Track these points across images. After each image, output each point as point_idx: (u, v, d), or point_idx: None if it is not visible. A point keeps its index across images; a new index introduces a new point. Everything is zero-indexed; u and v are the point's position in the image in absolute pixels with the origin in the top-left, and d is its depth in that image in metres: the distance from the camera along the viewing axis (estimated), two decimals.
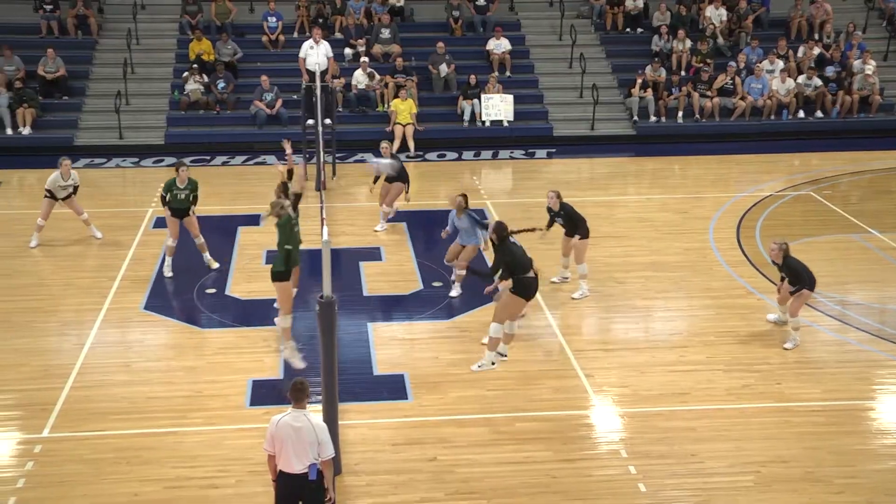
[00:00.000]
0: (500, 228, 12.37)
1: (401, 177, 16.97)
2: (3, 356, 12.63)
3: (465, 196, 14.39)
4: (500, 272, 12.20)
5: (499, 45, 25.30)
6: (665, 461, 10.45)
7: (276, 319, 13.04)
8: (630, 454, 10.58)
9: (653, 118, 24.25)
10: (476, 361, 12.47)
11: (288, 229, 12.74)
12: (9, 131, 22.67)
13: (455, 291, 14.61)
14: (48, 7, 25.28)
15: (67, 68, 23.90)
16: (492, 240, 12.48)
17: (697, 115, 24.33)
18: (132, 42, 24.78)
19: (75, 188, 16.49)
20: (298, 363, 12.43)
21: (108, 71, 24.47)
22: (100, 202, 18.80)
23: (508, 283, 12.24)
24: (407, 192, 17.09)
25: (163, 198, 15.18)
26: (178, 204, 15.13)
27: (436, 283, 15.10)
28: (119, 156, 22.21)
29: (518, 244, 12.46)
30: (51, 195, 16.31)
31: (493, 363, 12.41)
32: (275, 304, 13.22)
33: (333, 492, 8.66)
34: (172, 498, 9.78)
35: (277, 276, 12.57)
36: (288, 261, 12.62)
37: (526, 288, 12.18)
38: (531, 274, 12.18)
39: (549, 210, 14.69)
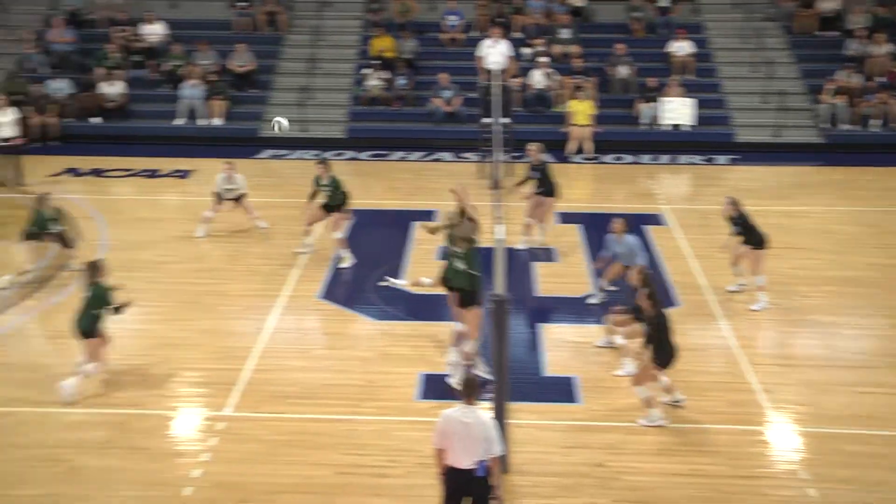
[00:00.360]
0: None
1: (548, 190, 16.46)
2: (191, 336, 13.24)
3: (624, 219, 13.80)
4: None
5: (681, 48, 24.78)
6: (849, 487, 9.94)
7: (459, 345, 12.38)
8: (810, 476, 10.12)
9: (844, 126, 23.20)
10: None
11: (472, 256, 12.17)
12: (202, 122, 23.74)
13: (595, 299, 14.30)
14: (242, 4, 26.35)
15: (257, 63, 24.84)
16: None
17: (894, 124, 23.12)
18: (318, 38, 25.53)
19: (242, 195, 16.88)
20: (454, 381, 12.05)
21: (294, 65, 25.31)
22: (281, 193, 19.43)
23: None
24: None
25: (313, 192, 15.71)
26: (323, 199, 15.64)
27: (612, 288, 14.88)
28: (302, 148, 22.91)
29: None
30: (218, 197, 16.87)
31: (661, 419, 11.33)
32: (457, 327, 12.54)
33: (501, 489, 8.66)
34: (343, 483, 10.00)
35: (468, 300, 12.11)
36: (476, 285, 12.11)
37: (667, 355, 11.04)
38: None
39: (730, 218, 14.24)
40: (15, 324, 13.71)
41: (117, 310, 11.68)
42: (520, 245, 15.65)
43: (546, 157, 14.15)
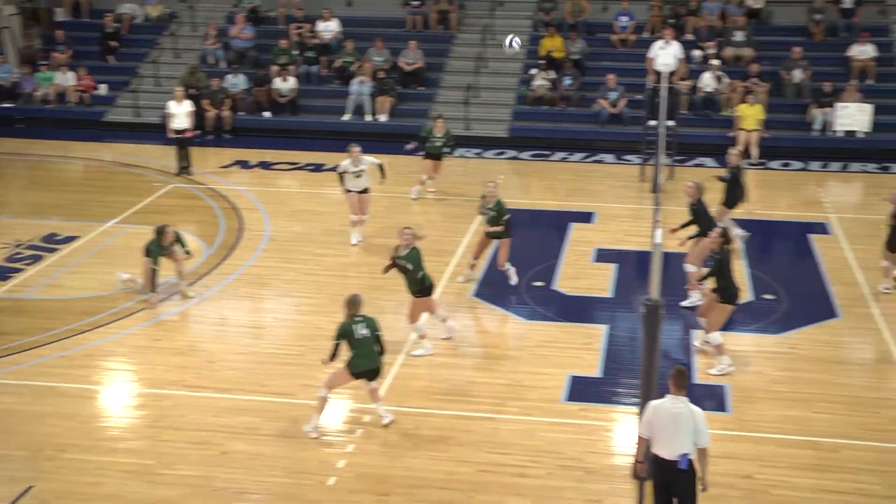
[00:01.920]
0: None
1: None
2: None
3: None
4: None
5: (862, 51, 23.71)
6: None
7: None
8: None
9: None
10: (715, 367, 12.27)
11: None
12: (368, 118, 24.29)
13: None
14: (415, 3, 26.82)
15: (426, 60, 25.22)
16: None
17: None
18: (487, 37, 25.71)
19: (367, 188, 16.60)
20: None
21: (462, 64, 25.55)
22: (440, 189, 19.64)
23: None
24: None
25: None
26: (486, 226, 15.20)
27: (767, 296, 14.47)
28: (464, 146, 23.09)
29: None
30: (348, 189, 16.48)
31: (730, 365, 12.21)
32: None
33: (708, 480, 8.65)
34: (484, 481, 10.08)
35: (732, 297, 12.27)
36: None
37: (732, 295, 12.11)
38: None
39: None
40: (177, 309, 14.35)
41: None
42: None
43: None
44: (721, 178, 16.31)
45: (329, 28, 26.22)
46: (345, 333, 10.84)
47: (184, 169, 20.69)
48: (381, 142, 23.24)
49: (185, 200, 19.19)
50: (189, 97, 22.05)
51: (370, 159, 16.84)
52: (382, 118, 24.25)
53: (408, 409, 11.44)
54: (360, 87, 24.31)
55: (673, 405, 8.48)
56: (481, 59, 25.15)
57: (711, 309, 12.31)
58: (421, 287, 12.69)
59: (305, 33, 26.18)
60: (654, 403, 8.58)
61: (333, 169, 21.16)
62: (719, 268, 12.07)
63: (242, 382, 12.08)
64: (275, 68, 24.93)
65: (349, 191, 16.68)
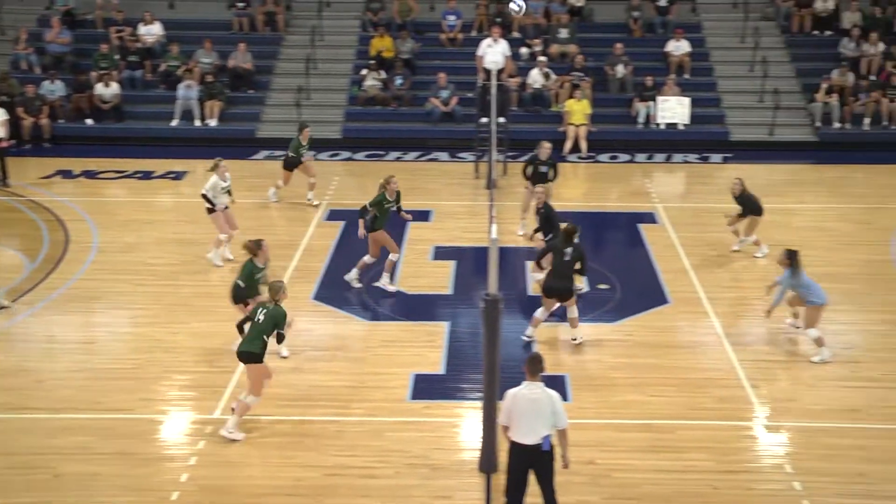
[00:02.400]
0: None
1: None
2: (182, 339, 13.23)
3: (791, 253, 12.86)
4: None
5: (678, 47, 24.78)
6: (831, 480, 10.01)
7: None
8: (795, 470, 10.18)
9: (837, 124, 23.23)
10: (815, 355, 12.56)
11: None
12: (197, 122, 23.76)
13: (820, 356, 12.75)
14: (241, 4, 26.37)
15: (254, 63, 24.86)
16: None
17: (886, 122, 23.16)
18: (316, 38, 25.56)
19: (230, 196, 15.90)
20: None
21: (292, 66, 25.30)
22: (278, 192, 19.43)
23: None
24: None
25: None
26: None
27: (602, 286, 14.92)
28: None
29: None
30: (212, 204, 15.48)
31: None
32: None
33: (569, 458, 8.94)
34: (332, 485, 10.01)
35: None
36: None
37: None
38: None
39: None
40: (0, 327, 13.69)
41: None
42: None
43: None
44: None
45: (152, 31, 25.51)
46: (251, 315, 11.02)
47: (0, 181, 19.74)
48: (211, 147, 22.79)
49: (3, 214, 18.30)
50: (1, 105, 21.01)
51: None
52: (212, 122, 23.77)
53: (251, 416, 11.22)
54: (187, 91, 23.74)
55: (530, 391, 8.67)
56: (311, 61, 24.97)
57: None
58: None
59: (127, 37, 25.37)
60: (511, 392, 8.75)
61: (167, 176, 20.78)
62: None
63: (75, 401, 11.58)
64: (95, 74, 24.08)
65: (214, 209, 15.60)
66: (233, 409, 10.98)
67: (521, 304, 14.32)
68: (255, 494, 9.84)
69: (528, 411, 8.63)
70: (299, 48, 25.70)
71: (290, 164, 18.66)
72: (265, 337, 10.81)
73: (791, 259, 12.64)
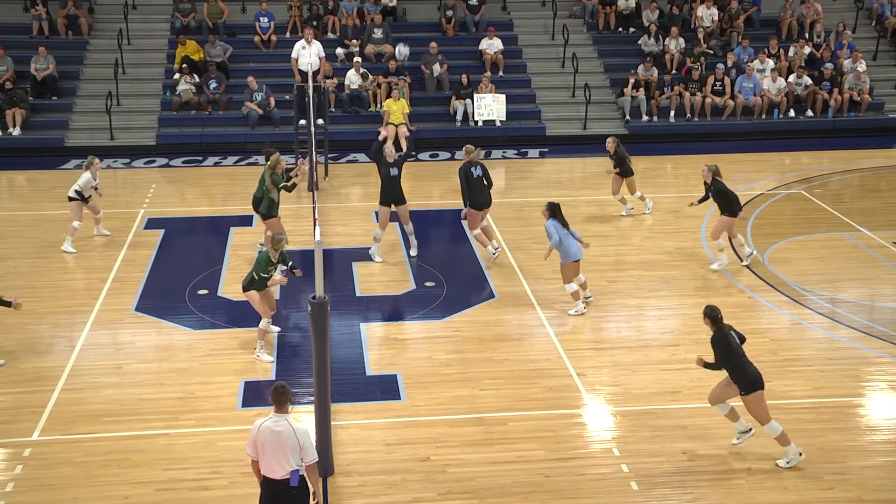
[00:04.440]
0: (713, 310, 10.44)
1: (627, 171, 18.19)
2: None
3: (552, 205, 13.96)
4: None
5: (491, 45, 25.29)
6: (657, 459, 10.45)
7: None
8: (622, 453, 10.58)
9: (645, 117, 24.30)
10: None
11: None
12: None
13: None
14: (39, 7, 25.18)
15: (58, 69, 23.85)
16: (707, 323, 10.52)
17: (689, 115, 24.39)
18: (123, 42, 24.74)
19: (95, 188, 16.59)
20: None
21: (98, 71, 24.42)
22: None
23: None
24: None
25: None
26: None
27: (428, 283, 15.09)
28: (110, 157, 22.12)
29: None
30: (80, 197, 16.24)
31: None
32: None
33: (321, 495, 8.62)
34: (164, 500, 9.76)
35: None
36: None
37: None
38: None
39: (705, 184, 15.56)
40: None
41: None
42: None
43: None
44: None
45: None
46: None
47: None
48: (17, 157, 21.81)
49: None
50: None
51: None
52: (15, 132, 22.63)
53: (74, 436, 10.82)
54: None
55: (274, 424, 8.24)
56: (119, 66, 24.14)
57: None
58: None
59: None
60: (257, 423, 8.33)
61: None
62: None
63: None
64: None
65: (85, 200, 16.39)
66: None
67: (350, 304, 14.31)
68: None
69: (272, 444, 8.21)
70: (106, 52, 24.80)
71: None
72: (254, 275, 12.51)
73: (551, 211, 13.73)
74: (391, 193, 15.68)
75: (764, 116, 24.56)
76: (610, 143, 17.84)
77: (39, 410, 11.30)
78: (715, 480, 10.11)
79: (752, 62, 24.94)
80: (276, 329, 13.28)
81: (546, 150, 23.36)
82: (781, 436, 10.24)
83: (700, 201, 15.97)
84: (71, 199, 16.26)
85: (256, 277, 12.55)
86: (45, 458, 10.43)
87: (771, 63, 24.98)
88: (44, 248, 16.32)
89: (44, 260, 15.97)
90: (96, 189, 16.59)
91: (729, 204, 15.32)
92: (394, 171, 15.74)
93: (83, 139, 22.85)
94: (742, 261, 15.71)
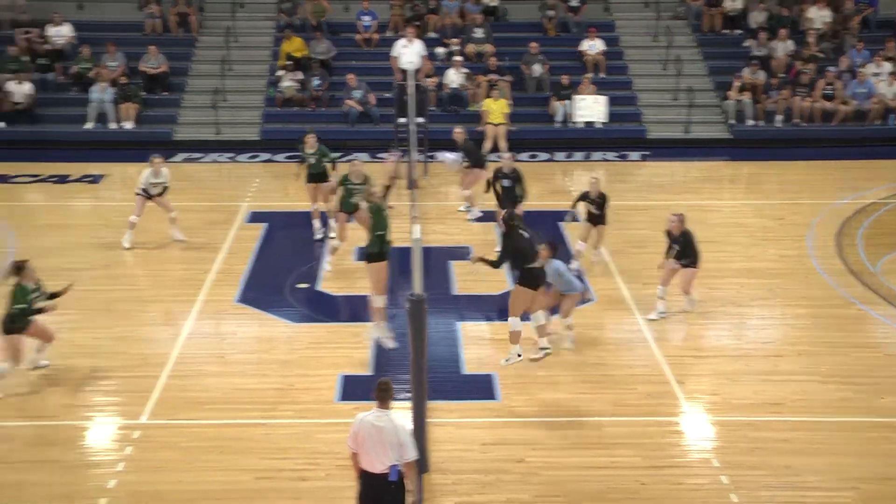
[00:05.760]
0: (510, 217, 12.11)
1: (479, 163, 17.72)
2: (105, 343, 12.99)
3: (551, 245, 12.63)
4: (504, 261, 12.07)
5: (592, 46, 25.12)
6: (758, 472, 10.22)
7: (370, 298, 13.05)
8: (722, 464, 10.39)
9: (750, 121, 23.82)
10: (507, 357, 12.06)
11: (379, 215, 12.81)
12: (112, 125, 23.30)
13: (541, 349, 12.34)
14: (152, 5, 25.91)
15: (170, 65, 24.48)
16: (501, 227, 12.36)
17: (797, 119, 23.82)
18: (230, 40, 25.27)
19: (166, 187, 16.57)
20: (389, 343, 12.69)
21: (206, 68, 25.00)
22: (196, 196, 19.28)
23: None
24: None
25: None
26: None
27: None
28: (216, 151, 22.65)
29: (527, 233, 12.00)
30: (144, 193, 16.44)
31: (518, 356, 11.98)
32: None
33: (418, 493, 8.67)
34: (263, 488, 9.94)
35: (370, 258, 12.78)
36: (381, 244, 12.76)
37: (534, 278, 11.84)
38: (537, 264, 11.85)
39: (668, 234, 13.85)
40: None
41: (37, 311, 11.71)
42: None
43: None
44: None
45: (61, 33, 24.93)
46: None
47: None
48: (129, 149, 22.45)
49: None
50: None
51: (167, 174, 16.64)
52: (128, 125, 23.32)
53: (178, 421, 11.12)
54: (100, 93, 23.26)
55: (376, 419, 8.34)
56: (226, 62, 24.68)
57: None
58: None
59: (35, 39, 24.74)
60: (359, 416, 8.43)
61: (83, 180, 20.37)
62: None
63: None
64: (5, 76, 23.42)
65: (149, 195, 16.51)
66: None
67: (447, 303, 14.36)
68: (185, 500, 9.72)
69: (373, 438, 8.29)
70: (214, 49, 25.39)
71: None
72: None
73: (553, 251, 12.53)
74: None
75: (878, 122, 23.82)
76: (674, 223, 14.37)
77: (146, 395, 11.64)
78: (821, 497, 9.85)
79: (866, 65, 24.24)
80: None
81: (647, 153, 23.10)
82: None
83: (671, 257, 13.76)
84: (137, 194, 16.48)
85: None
86: (152, 441, 10.75)
87: (888, 66, 24.21)
88: (151, 238, 16.74)
89: (151, 250, 16.42)
90: (163, 187, 16.51)
91: (696, 256, 13.71)
92: (506, 183, 16.01)
93: (190, 133, 23.44)
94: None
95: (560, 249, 13.43)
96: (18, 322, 11.64)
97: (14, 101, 23.10)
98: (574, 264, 14.78)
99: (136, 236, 16.56)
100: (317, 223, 16.99)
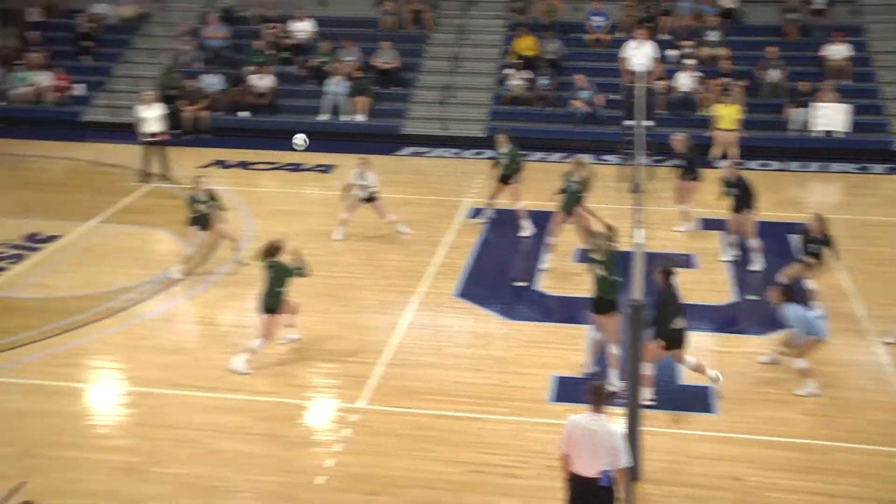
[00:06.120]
0: (666, 269, 11.45)
1: (695, 175, 17.07)
2: (327, 328, 13.45)
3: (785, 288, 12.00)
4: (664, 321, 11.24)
5: (837, 51, 23.88)
6: None
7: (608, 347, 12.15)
8: None
9: None
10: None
11: (614, 262, 11.97)
12: (345, 118, 24.16)
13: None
14: (388, 2, 26.70)
15: (401, 60, 25.13)
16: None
17: None
18: (462, 37, 25.67)
19: (374, 191, 16.55)
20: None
21: (437, 64, 25.49)
22: (420, 189, 19.68)
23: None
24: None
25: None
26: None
27: (752, 297, 14.47)
28: (442, 146, 23.05)
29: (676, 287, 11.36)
30: (351, 190, 16.58)
31: (716, 378, 11.68)
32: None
33: (629, 501, 8.50)
34: (473, 482, 10.01)
35: (607, 307, 11.89)
36: (617, 291, 11.91)
37: (674, 340, 11.33)
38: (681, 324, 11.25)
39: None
40: (162, 309, 14.23)
41: (301, 274, 12.45)
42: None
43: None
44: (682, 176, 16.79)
45: (303, 28, 26.06)
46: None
47: (153, 175, 20.27)
48: (358, 142, 23.19)
49: (165, 200, 19.02)
50: (167, 98, 21.82)
51: (374, 179, 16.78)
52: (359, 118, 24.13)
53: (394, 408, 11.37)
54: (336, 87, 24.17)
55: (589, 422, 8.22)
56: (457, 59, 25.10)
57: None
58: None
59: (279, 33, 26.00)
60: (572, 418, 8.37)
61: (315, 169, 21.25)
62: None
63: (228, 382, 11.95)
64: (250, 68, 24.74)
65: (358, 198, 16.77)
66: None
67: None
68: (397, 485, 9.92)
69: (586, 442, 8.18)
70: (445, 46, 25.88)
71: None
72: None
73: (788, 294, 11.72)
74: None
75: None
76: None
77: (364, 380, 11.98)
78: None
79: None
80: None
81: (893, 166, 21.71)
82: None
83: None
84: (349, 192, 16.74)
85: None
86: (369, 426, 11.04)
87: None
88: (374, 228, 17.16)
89: (373, 241, 16.81)
90: (370, 193, 16.54)
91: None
92: (733, 192, 15.64)
93: (417, 128, 23.96)
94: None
95: (796, 291, 12.33)
96: (276, 302, 12.25)
97: (258, 94, 24.32)
98: (816, 308, 13.22)
99: (360, 228, 16.93)
100: (525, 222, 17.24)
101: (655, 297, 11.35)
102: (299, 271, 12.42)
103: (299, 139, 16.57)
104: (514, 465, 10.26)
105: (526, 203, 17.39)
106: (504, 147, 17.38)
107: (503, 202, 17.70)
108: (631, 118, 19.53)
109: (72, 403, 11.61)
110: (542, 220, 17.11)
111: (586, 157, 16.39)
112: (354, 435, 10.86)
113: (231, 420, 11.10)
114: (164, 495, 9.76)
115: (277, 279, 12.21)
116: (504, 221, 17.83)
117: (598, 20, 25.69)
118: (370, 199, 16.71)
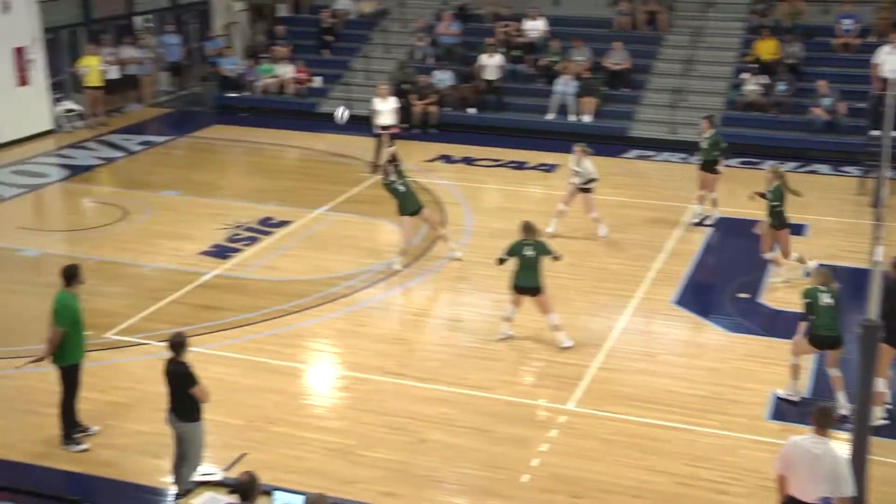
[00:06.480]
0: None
1: None
2: (542, 326, 13.21)
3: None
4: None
5: None
6: None
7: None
8: None
9: None
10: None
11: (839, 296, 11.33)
12: (572, 118, 24.09)
13: None
14: (623, 2, 26.41)
15: (632, 62, 24.80)
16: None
17: None
18: (697, 39, 25.03)
19: (591, 180, 16.49)
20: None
21: (669, 66, 24.96)
22: (643, 193, 19.37)
23: None
24: None
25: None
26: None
27: None
28: (669, 150, 22.59)
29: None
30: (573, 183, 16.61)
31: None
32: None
33: None
34: (680, 493, 9.78)
35: (836, 343, 11.23)
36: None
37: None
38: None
39: None
40: (381, 298, 14.65)
41: (556, 258, 13.07)
42: None
43: None
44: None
45: (535, 27, 26.16)
46: (513, 252, 12.81)
47: (380, 167, 20.91)
48: (584, 142, 22.99)
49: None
50: (400, 92, 22.44)
51: (590, 167, 16.63)
52: (586, 118, 23.99)
53: (603, 412, 11.26)
54: (564, 86, 24.13)
55: (812, 445, 7.83)
56: (690, 62, 24.50)
57: None
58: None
59: (512, 32, 26.22)
60: (793, 438, 8.00)
61: (538, 168, 21.33)
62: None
63: (441, 373, 12.18)
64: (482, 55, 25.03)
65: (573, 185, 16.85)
66: None
67: None
68: (603, 490, 9.83)
69: (807, 465, 7.80)
70: (679, 48, 25.30)
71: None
72: None
73: None
74: None
75: None
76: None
77: (575, 382, 11.92)
78: None
79: None
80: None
81: None
82: None
83: None
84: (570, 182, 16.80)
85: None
86: (576, 428, 10.99)
87: None
88: (592, 231, 16.99)
89: (594, 243, 16.66)
90: (587, 180, 16.46)
91: None
92: None
93: (645, 131, 23.56)
94: None
95: None
96: (535, 280, 12.82)
97: (486, 79, 24.50)
98: None
99: (578, 231, 16.86)
100: (697, 208, 17.35)
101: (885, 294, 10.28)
102: (555, 255, 12.94)
103: (340, 112, 16.85)
104: (725, 482, 9.95)
105: (717, 195, 17.62)
106: (707, 132, 17.22)
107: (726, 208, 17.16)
108: (878, 128, 18.46)
109: (291, 383, 12.16)
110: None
111: (782, 167, 15.52)
112: (561, 436, 10.82)
113: (442, 411, 11.29)
114: (373, 479, 10.04)
115: (536, 259, 12.71)
116: (728, 230, 17.31)
117: (847, 23, 24.41)
118: (585, 190, 16.59)
